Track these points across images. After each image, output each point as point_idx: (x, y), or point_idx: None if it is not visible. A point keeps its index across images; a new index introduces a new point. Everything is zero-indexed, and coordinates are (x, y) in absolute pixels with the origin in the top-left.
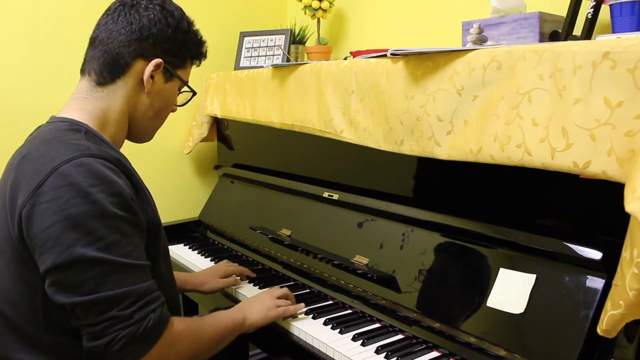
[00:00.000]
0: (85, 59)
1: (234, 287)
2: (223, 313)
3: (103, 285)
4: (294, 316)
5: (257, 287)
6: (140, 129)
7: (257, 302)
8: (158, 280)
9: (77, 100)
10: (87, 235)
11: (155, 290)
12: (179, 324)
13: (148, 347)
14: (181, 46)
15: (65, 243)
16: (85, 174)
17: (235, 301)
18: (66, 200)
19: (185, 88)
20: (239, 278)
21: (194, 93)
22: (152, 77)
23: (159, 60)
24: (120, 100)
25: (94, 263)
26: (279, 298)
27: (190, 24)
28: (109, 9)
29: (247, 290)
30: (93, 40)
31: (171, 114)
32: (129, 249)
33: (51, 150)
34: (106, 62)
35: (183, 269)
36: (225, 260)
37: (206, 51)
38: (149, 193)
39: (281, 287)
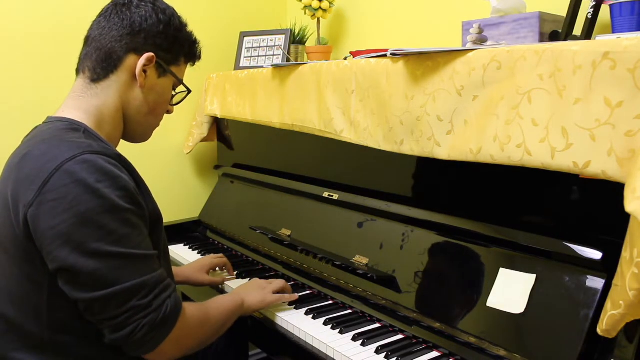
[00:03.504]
0: (80, 58)
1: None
2: (223, 297)
3: (120, 278)
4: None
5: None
6: (135, 126)
7: (253, 287)
8: None
9: (73, 99)
10: (99, 230)
11: (166, 278)
12: (190, 308)
13: (167, 332)
14: (173, 42)
15: (78, 239)
16: (90, 170)
17: (223, 293)
18: (74, 197)
19: (180, 88)
20: (224, 274)
21: (189, 91)
22: (145, 71)
23: (150, 54)
24: (114, 96)
25: (108, 257)
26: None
27: (182, 22)
28: (102, 10)
29: (237, 285)
30: (87, 39)
31: (171, 114)
32: (139, 241)
33: (52, 148)
34: (99, 58)
35: None
36: (212, 255)
37: (200, 52)
38: (148, 188)
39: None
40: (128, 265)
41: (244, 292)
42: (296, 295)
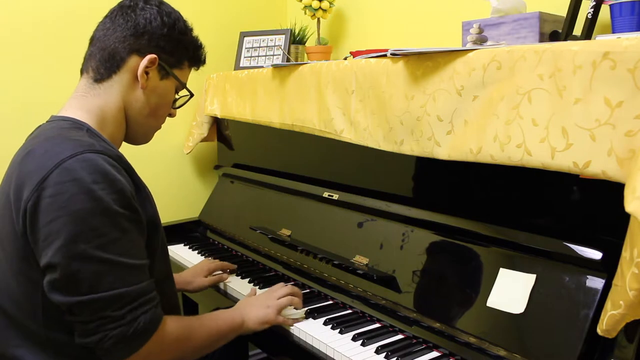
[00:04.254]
0: (84, 59)
1: (225, 282)
2: (222, 313)
3: (99, 285)
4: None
5: (251, 283)
6: (137, 127)
7: (257, 304)
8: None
9: (76, 98)
10: (89, 232)
11: (151, 291)
12: (172, 324)
13: (137, 347)
14: (177, 45)
15: (66, 238)
16: (89, 169)
17: (226, 295)
18: (70, 195)
19: (183, 92)
20: (223, 274)
21: (191, 95)
22: (147, 73)
23: (153, 55)
24: (116, 97)
25: (92, 261)
26: (282, 297)
27: (187, 26)
28: (109, 11)
29: (238, 285)
30: (91, 40)
31: (173, 117)
32: (128, 247)
33: (55, 146)
34: (102, 58)
35: (183, 269)
36: (208, 258)
37: (205, 57)
38: (149, 191)
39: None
40: (110, 272)
41: (246, 310)
42: (302, 312)
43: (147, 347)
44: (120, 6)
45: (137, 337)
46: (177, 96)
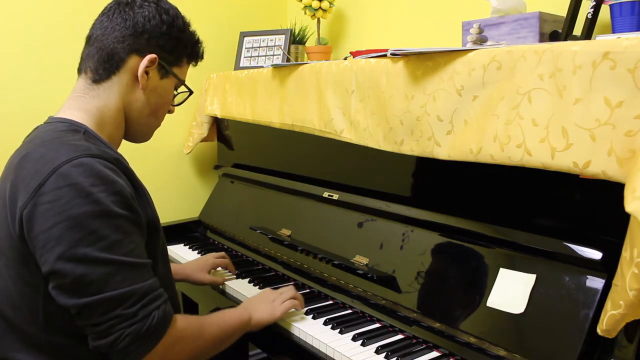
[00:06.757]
0: (81, 58)
1: (224, 282)
2: (228, 311)
3: (107, 286)
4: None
5: (251, 283)
6: (137, 127)
7: (262, 300)
8: None
9: (74, 99)
10: (89, 235)
11: (157, 288)
12: (182, 321)
13: (152, 344)
14: (176, 43)
15: (67, 243)
16: (85, 174)
17: (225, 295)
18: (67, 200)
19: (182, 88)
20: (226, 274)
21: (191, 92)
22: (147, 73)
23: (153, 55)
24: (115, 97)
25: (97, 263)
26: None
27: (185, 22)
28: (105, 8)
29: (238, 285)
30: (89, 39)
31: (172, 113)
32: (130, 248)
33: (51, 151)
34: (101, 58)
35: None
36: (213, 253)
37: (203, 52)
38: (148, 193)
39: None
40: (117, 272)
41: (252, 306)
42: (302, 298)
43: (162, 344)
44: (117, 3)
45: (152, 335)
46: (175, 92)
